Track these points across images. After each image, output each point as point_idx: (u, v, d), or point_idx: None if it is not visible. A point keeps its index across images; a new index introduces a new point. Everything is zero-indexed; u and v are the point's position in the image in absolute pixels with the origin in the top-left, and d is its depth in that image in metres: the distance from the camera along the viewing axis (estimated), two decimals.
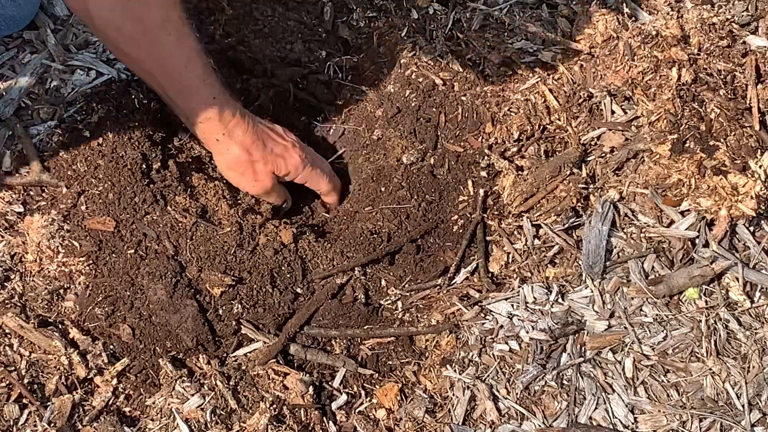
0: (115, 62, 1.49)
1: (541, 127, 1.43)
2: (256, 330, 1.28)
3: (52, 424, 1.16)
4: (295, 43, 1.57)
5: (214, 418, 1.19)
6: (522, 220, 1.36)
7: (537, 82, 1.46)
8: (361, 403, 1.25)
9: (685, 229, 1.31)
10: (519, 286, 1.30)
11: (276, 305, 1.29)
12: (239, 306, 1.27)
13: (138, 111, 1.42)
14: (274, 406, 1.20)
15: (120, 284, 1.27)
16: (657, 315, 1.27)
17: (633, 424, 1.19)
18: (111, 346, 1.25)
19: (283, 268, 1.31)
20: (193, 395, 1.20)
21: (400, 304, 1.34)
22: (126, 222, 1.31)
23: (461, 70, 1.52)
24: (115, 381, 1.22)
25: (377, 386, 1.26)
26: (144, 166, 1.36)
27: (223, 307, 1.27)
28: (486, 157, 1.43)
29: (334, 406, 1.24)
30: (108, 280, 1.27)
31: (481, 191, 1.39)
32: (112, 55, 1.50)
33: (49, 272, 1.29)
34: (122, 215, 1.31)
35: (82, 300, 1.27)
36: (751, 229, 1.33)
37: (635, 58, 1.41)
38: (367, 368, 1.28)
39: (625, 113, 1.42)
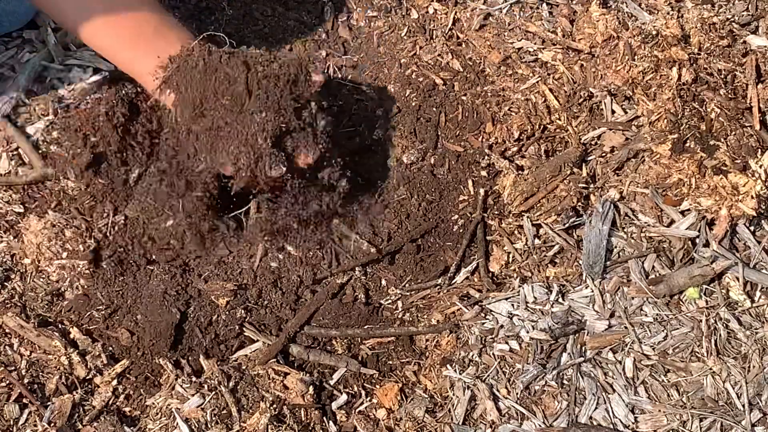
0: None
1: (542, 126, 1.43)
2: (258, 332, 1.28)
3: (52, 424, 1.16)
4: (295, 43, 1.57)
5: (214, 418, 1.19)
6: (522, 219, 1.36)
7: (537, 82, 1.46)
8: (362, 403, 1.25)
9: (686, 229, 1.31)
10: (519, 286, 1.30)
11: (279, 307, 1.29)
12: (243, 311, 1.27)
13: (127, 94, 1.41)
14: (275, 405, 1.20)
15: (118, 295, 1.28)
16: (657, 315, 1.27)
17: (633, 423, 1.19)
18: (110, 348, 1.25)
19: (288, 275, 1.31)
20: (193, 395, 1.20)
21: (400, 303, 1.33)
22: (99, 231, 1.31)
23: (461, 70, 1.52)
24: (115, 381, 1.22)
25: (377, 386, 1.26)
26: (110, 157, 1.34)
27: (228, 313, 1.27)
28: (486, 157, 1.43)
29: (334, 405, 1.24)
30: (105, 290, 1.28)
31: (482, 191, 1.39)
32: None
33: (48, 273, 1.29)
34: (92, 216, 1.31)
35: (78, 304, 1.27)
36: (752, 228, 1.33)
37: (635, 57, 1.41)
38: (367, 368, 1.28)
39: (626, 113, 1.42)
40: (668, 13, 1.47)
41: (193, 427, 1.17)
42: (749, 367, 1.23)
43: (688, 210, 1.32)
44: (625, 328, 1.26)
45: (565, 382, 1.23)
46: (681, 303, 1.28)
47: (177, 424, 1.18)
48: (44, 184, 1.36)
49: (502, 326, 1.27)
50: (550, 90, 1.45)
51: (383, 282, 1.35)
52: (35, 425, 1.17)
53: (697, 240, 1.31)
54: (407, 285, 1.35)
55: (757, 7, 1.53)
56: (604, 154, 1.40)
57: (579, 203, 1.34)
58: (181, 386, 1.21)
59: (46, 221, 1.31)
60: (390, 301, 1.34)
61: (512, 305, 1.28)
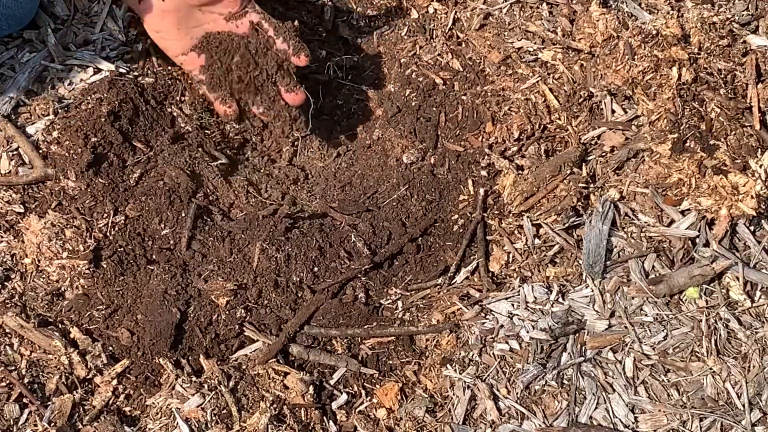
0: (115, 59, 1.49)
1: (542, 126, 1.43)
2: (258, 332, 1.28)
3: (53, 424, 1.16)
4: None
5: (214, 418, 1.19)
6: (522, 219, 1.36)
7: (537, 82, 1.46)
8: (362, 403, 1.25)
9: (686, 229, 1.31)
10: (519, 286, 1.30)
11: (279, 307, 1.29)
12: (243, 311, 1.28)
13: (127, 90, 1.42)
14: (275, 405, 1.20)
15: (118, 295, 1.28)
16: (657, 314, 1.27)
17: (633, 423, 1.19)
18: (110, 347, 1.25)
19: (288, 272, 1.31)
20: (193, 395, 1.20)
21: (400, 303, 1.33)
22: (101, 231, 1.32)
23: (461, 69, 1.52)
24: (115, 381, 1.22)
25: (377, 386, 1.26)
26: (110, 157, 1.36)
27: (227, 312, 1.27)
28: (486, 157, 1.43)
29: (334, 405, 1.24)
30: (105, 290, 1.28)
31: (482, 190, 1.39)
32: (112, 52, 1.50)
33: (48, 273, 1.28)
34: (92, 216, 1.32)
35: (78, 304, 1.27)
36: (752, 228, 1.33)
37: (635, 57, 1.41)
38: (367, 368, 1.28)
39: (626, 113, 1.42)
40: (668, 13, 1.47)
41: (193, 427, 1.18)
42: (749, 366, 1.23)
43: (688, 210, 1.32)
44: (625, 327, 1.26)
45: (565, 381, 1.23)
46: (681, 303, 1.28)
47: (177, 423, 1.18)
48: (44, 184, 1.35)
49: (502, 326, 1.27)
50: (550, 90, 1.45)
51: (383, 282, 1.35)
52: (35, 425, 1.17)
53: (697, 240, 1.31)
54: (407, 285, 1.35)
55: (757, 7, 1.53)
56: (604, 154, 1.40)
57: (579, 203, 1.34)
58: (181, 386, 1.21)
59: (46, 221, 1.31)
60: (390, 301, 1.34)
61: (512, 305, 1.28)
